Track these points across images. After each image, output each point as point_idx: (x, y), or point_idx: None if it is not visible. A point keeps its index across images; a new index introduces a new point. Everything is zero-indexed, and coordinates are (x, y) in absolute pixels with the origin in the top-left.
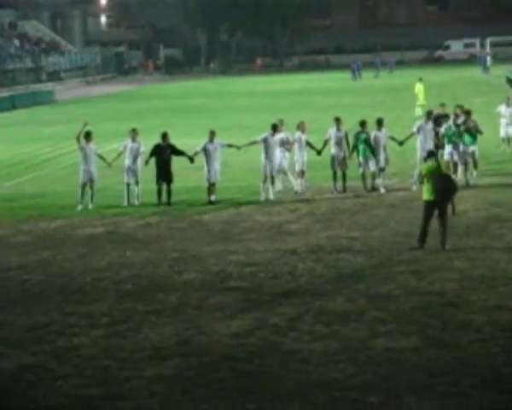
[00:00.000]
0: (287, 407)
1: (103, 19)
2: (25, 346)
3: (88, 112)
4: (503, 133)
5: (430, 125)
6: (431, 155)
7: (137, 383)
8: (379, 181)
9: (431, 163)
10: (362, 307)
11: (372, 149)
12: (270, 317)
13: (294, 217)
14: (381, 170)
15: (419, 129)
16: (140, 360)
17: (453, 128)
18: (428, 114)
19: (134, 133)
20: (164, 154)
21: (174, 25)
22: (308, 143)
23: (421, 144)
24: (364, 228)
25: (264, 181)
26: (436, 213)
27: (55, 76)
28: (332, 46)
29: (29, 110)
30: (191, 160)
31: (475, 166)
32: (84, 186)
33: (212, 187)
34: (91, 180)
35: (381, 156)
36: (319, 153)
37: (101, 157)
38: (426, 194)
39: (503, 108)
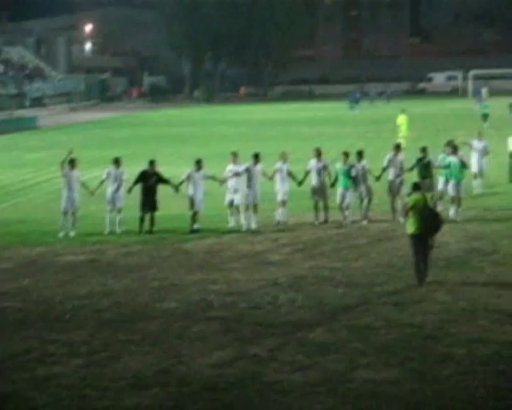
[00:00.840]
0: None
1: (88, 45)
2: (3, 374)
3: (71, 139)
4: (474, 168)
5: (399, 157)
6: (416, 187)
7: None
8: (361, 213)
9: (416, 196)
10: (343, 338)
11: (353, 180)
12: (251, 347)
13: (276, 247)
14: (363, 202)
15: (389, 162)
16: (119, 389)
17: (423, 161)
18: (397, 147)
19: (117, 161)
20: (149, 181)
21: (159, 52)
22: (289, 174)
23: (390, 177)
24: (346, 259)
25: (247, 210)
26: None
27: (38, 102)
28: (316, 76)
29: (12, 136)
30: (176, 189)
31: (458, 203)
32: (66, 213)
33: (195, 216)
34: (73, 207)
35: (363, 188)
36: (300, 184)
37: (83, 185)
38: (411, 227)
39: (475, 143)
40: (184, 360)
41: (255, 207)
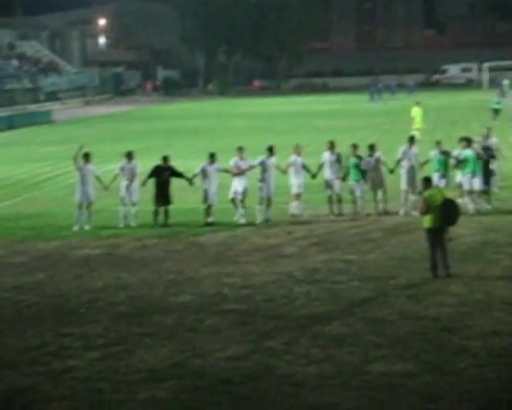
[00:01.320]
0: None
1: (102, 39)
2: (19, 367)
3: (85, 132)
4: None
5: (414, 150)
6: (429, 182)
7: (131, 406)
8: (377, 206)
9: (431, 191)
10: (357, 331)
11: (363, 173)
12: (266, 340)
13: (290, 240)
14: (377, 195)
15: (403, 154)
16: (134, 382)
17: (438, 156)
18: (411, 140)
19: (129, 155)
20: (163, 175)
21: (172, 46)
22: (304, 166)
23: (405, 170)
24: (360, 252)
25: (261, 203)
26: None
27: (53, 96)
28: (330, 69)
29: (27, 130)
30: (190, 182)
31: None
32: (80, 207)
33: (209, 209)
34: (88, 201)
35: (377, 180)
36: (314, 176)
37: (98, 179)
38: (428, 222)
39: (483, 140)
40: (199, 353)
41: (269, 200)
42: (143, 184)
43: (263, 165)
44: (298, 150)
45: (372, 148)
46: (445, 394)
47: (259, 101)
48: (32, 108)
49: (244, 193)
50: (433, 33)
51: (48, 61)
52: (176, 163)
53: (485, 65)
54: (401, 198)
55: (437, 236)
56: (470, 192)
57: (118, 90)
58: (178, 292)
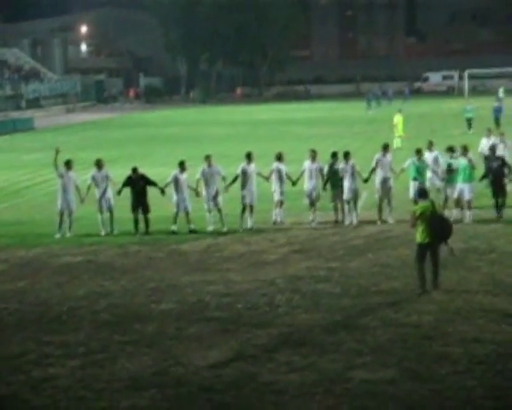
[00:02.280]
0: None
1: (84, 47)
2: (0, 376)
3: (67, 140)
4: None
5: (388, 157)
6: (424, 194)
7: None
8: (352, 213)
9: (424, 203)
10: (339, 338)
11: (340, 181)
12: (248, 348)
13: (273, 247)
14: (348, 202)
15: (377, 162)
16: (116, 390)
17: (417, 163)
18: (385, 147)
19: (99, 164)
20: (137, 185)
21: (154, 53)
22: (285, 174)
23: (379, 178)
24: (342, 259)
25: (243, 211)
26: (428, 253)
27: (34, 103)
28: (311, 76)
29: (8, 137)
30: (162, 191)
31: (469, 206)
32: (62, 214)
33: (177, 216)
34: (69, 208)
35: (350, 188)
36: (294, 184)
37: (77, 189)
38: (419, 236)
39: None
40: (181, 361)
41: (252, 208)
42: (118, 193)
43: (244, 172)
44: (280, 158)
45: (346, 156)
46: (426, 401)
47: (242, 108)
48: (13, 115)
49: (216, 198)
50: (414, 41)
51: (29, 68)
52: (156, 171)
53: (467, 72)
54: (377, 206)
55: (426, 250)
56: (458, 201)
57: (100, 97)
58: (160, 300)
